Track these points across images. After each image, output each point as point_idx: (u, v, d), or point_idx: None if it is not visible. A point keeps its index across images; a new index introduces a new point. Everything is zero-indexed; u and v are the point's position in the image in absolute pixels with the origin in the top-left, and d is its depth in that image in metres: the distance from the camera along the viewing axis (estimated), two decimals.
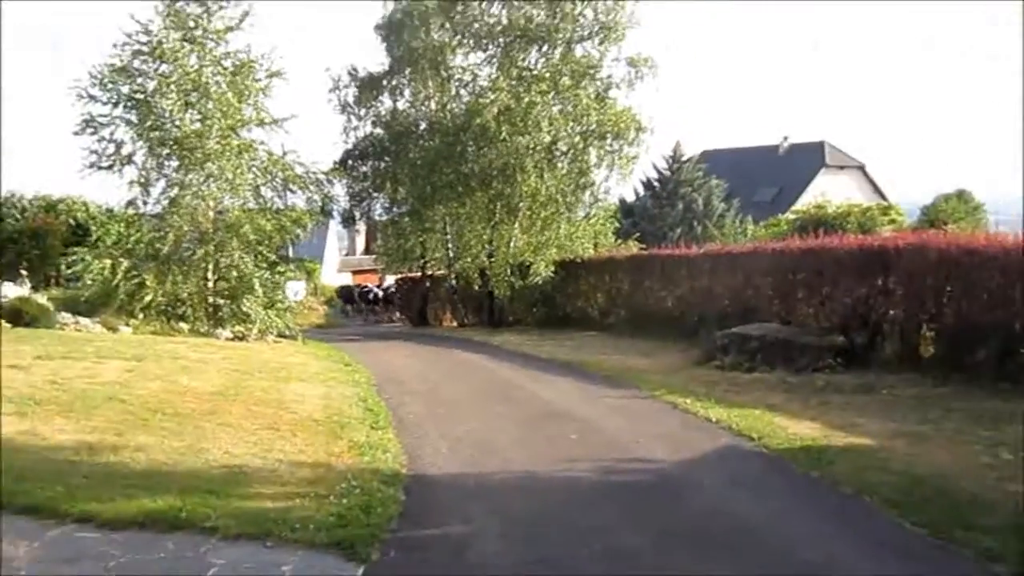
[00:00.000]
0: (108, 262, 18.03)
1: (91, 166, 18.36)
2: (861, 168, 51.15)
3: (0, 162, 26.44)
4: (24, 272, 19.32)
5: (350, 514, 5.98)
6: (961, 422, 9.03)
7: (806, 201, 34.07)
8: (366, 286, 37.08)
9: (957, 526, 5.79)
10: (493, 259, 24.73)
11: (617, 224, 29.03)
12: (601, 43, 23.75)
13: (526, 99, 22.56)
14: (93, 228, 27.89)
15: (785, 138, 52.82)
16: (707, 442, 8.71)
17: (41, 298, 17.00)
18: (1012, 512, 6.07)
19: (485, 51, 25.15)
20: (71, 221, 28.50)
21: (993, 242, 11.96)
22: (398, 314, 33.68)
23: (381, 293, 34.86)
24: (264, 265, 19.24)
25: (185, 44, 18.49)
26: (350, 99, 27.43)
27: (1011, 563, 5.19)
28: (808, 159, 49.82)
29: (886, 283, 13.18)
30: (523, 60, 24.25)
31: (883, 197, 44.69)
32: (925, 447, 8.06)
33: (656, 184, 42.34)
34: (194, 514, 5.77)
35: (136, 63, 18.45)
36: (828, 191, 34.04)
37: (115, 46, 18.30)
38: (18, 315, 15.05)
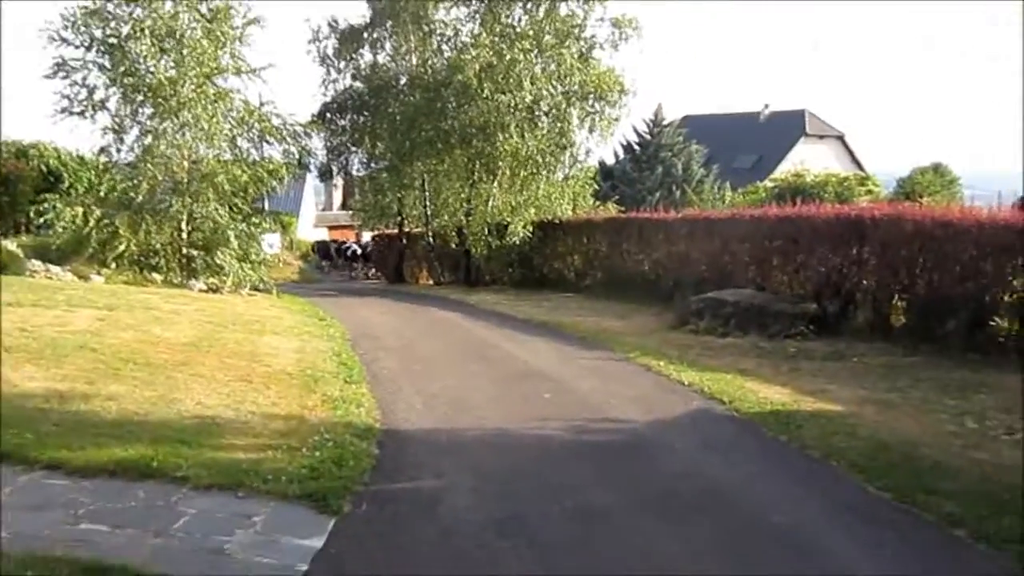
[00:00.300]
0: (80, 210, 17.79)
1: (63, 111, 18.02)
2: (840, 138, 51.33)
3: None
4: None
5: (322, 467, 6.00)
6: (929, 391, 9.17)
7: (785, 169, 34.21)
8: (345, 242, 36.80)
9: (920, 491, 5.90)
10: (471, 218, 24.63)
11: (596, 187, 28.96)
12: (586, 2, 23.51)
13: (508, 56, 22.31)
14: (65, 175, 27.52)
15: (766, 106, 52.85)
16: (679, 405, 8.79)
17: (11, 245, 16.76)
18: (974, 478, 6.19)
19: (468, 6, 24.82)
20: (42, 167, 27.97)
21: (967, 216, 12.06)
22: (374, 271, 33.55)
23: (359, 250, 34.57)
24: (239, 217, 19.06)
25: None
26: (330, 51, 27.09)
27: (971, 527, 5.31)
28: (788, 127, 49.87)
29: (860, 253, 13.28)
30: (507, 17, 23.95)
31: (861, 167, 44.91)
32: (892, 414, 8.18)
33: (636, 147, 42.26)
34: (165, 464, 5.75)
35: (110, 6, 18.07)
36: (807, 160, 34.19)
37: None
38: None
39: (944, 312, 11.46)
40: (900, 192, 32.65)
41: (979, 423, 7.81)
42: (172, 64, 18.22)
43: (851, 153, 50.69)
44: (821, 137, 50.08)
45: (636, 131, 42.43)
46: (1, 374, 7.64)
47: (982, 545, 5.12)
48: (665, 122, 42.43)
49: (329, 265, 37.72)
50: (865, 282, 13.26)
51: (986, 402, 8.57)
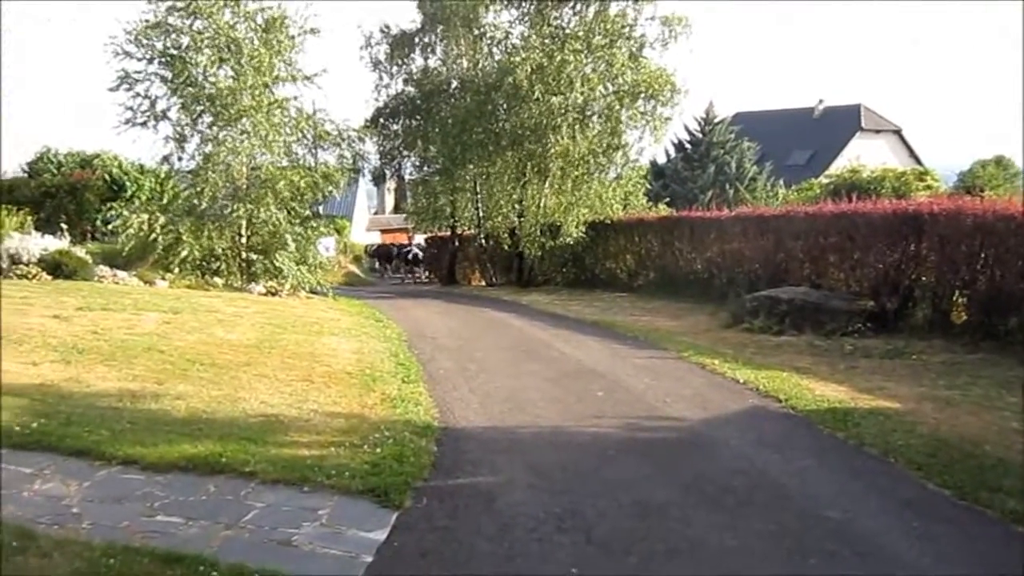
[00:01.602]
0: (145, 216, 18.31)
1: (127, 122, 18.60)
2: (897, 132, 50.34)
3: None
4: (63, 226, 19.65)
5: (383, 463, 6.16)
6: (990, 388, 9.04)
7: (840, 165, 33.64)
8: (406, 245, 37.05)
9: (981, 488, 5.86)
10: (523, 219, 24.76)
11: (648, 186, 28.86)
12: (636, 1, 23.47)
13: (559, 58, 22.39)
14: (127, 183, 28.40)
15: (820, 101, 52.13)
16: (734, 402, 8.79)
17: (80, 251, 17.35)
18: None
19: (518, 9, 24.97)
20: (106, 177, 28.90)
21: None
22: (427, 273, 33.81)
23: (420, 253, 34.58)
24: (296, 221, 19.47)
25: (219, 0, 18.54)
26: (382, 56, 27.44)
27: None
28: (843, 122, 49.06)
29: (919, 248, 13.09)
30: (556, 18, 24.04)
31: (919, 162, 44.01)
32: (952, 411, 8.08)
33: (688, 146, 42.01)
34: (234, 459, 5.97)
35: (171, 19, 18.57)
36: (863, 155, 33.58)
37: (150, 1, 18.46)
38: (58, 267, 15.42)
39: (1006, 308, 11.27)
40: (960, 186, 31.99)
41: None
42: (231, 73, 18.69)
43: (908, 147, 49.68)
44: (877, 131, 49.16)
45: (687, 129, 42.19)
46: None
47: None
48: (717, 119, 42.11)
49: (390, 268, 37.99)
50: (924, 278, 13.08)
51: None
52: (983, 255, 11.95)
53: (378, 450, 6.46)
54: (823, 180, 28.68)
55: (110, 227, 19.92)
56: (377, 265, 39.98)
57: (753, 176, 39.79)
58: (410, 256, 34.66)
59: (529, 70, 22.25)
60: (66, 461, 5.82)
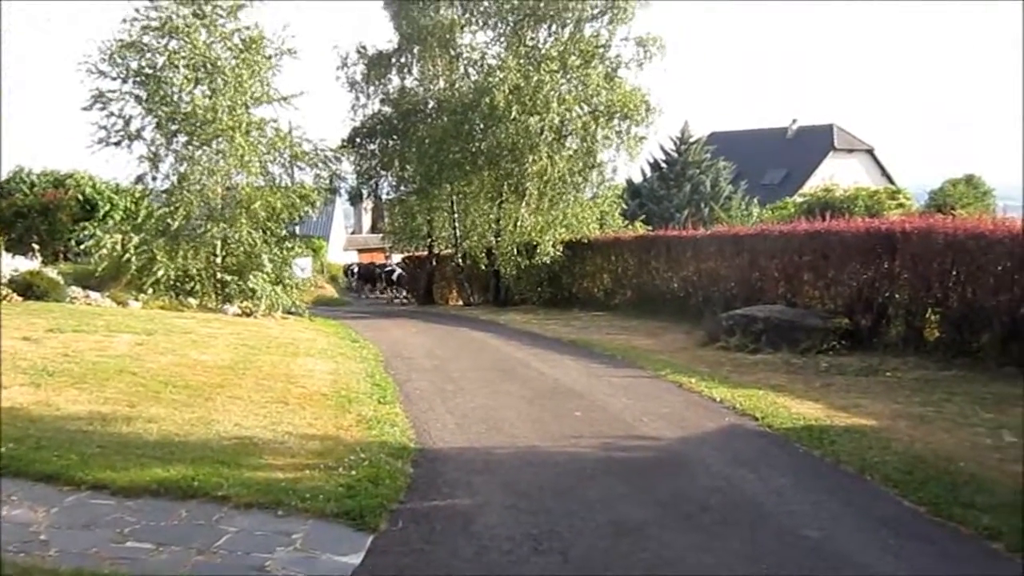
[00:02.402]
0: (119, 237, 18.14)
1: (100, 142, 18.49)
2: (870, 151, 51.01)
3: (0, 144, 26.72)
4: (35, 246, 19.42)
5: (359, 485, 6.09)
6: (964, 404, 9.10)
7: (814, 184, 34.08)
8: (387, 265, 36.87)
9: (956, 505, 5.88)
10: (500, 238, 24.81)
11: (624, 205, 29.04)
12: (610, 23, 23.74)
13: (535, 78, 22.54)
14: (100, 203, 28.14)
15: (794, 121, 52.75)
16: (711, 421, 8.80)
17: (52, 272, 17.15)
18: (1012, 491, 6.14)
19: (494, 30, 25.14)
20: (78, 196, 28.63)
21: (1000, 227, 11.94)
22: (404, 292, 33.71)
23: (404, 272, 34.39)
24: (272, 242, 19.37)
25: (195, 19, 18.49)
26: (358, 76, 27.47)
27: (1009, 540, 5.27)
28: (817, 142, 49.66)
29: (892, 266, 13.20)
30: (532, 39, 24.24)
31: (891, 181, 44.62)
32: (927, 428, 8.13)
33: (664, 165, 42.30)
34: (206, 483, 5.88)
35: (146, 38, 18.51)
36: (836, 174, 34.01)
37: (124, 21, 18.41)
38: (29, 288, 15.22)
39: (978, 325, 11.38)
40: (932, 205, 32.42)
41: (1016, 436, 7.73)
42: (207, 93, 18.61)
43: (881, 167, 50.34)
44: (850, 151, 49.80)
45: (663, 149, 42.53)
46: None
47: (1020, 558, 5.09)
48: (692, 139, 42.45)
49: (368, 288, 37.75)
50: (897, 296, 13.17)
51: (1023, 415, 8.49)
52: (955, 273, 12.07)
53: (353, 472, 6.39)
54: (797, 199, 29.01)
55: (83, 247, 19.71)
56: (354, 284, 39.76)
57: (728, 195, 40.12)
58: (394, 276, 34.51)
59: (506, 90, 22.37)
60: (34, 487, 5.72)
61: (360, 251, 48.88)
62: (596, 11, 23.73)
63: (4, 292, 14.76)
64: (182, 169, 18.80)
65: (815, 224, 15.68)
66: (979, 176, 43.58)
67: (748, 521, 5.79)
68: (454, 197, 26.16)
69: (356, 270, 40.04)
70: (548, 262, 23.46)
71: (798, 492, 6.45)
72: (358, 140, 27.92)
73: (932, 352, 11.94)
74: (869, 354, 12.30)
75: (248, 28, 19.19)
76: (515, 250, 24.25)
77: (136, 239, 18.20)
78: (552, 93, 22.67)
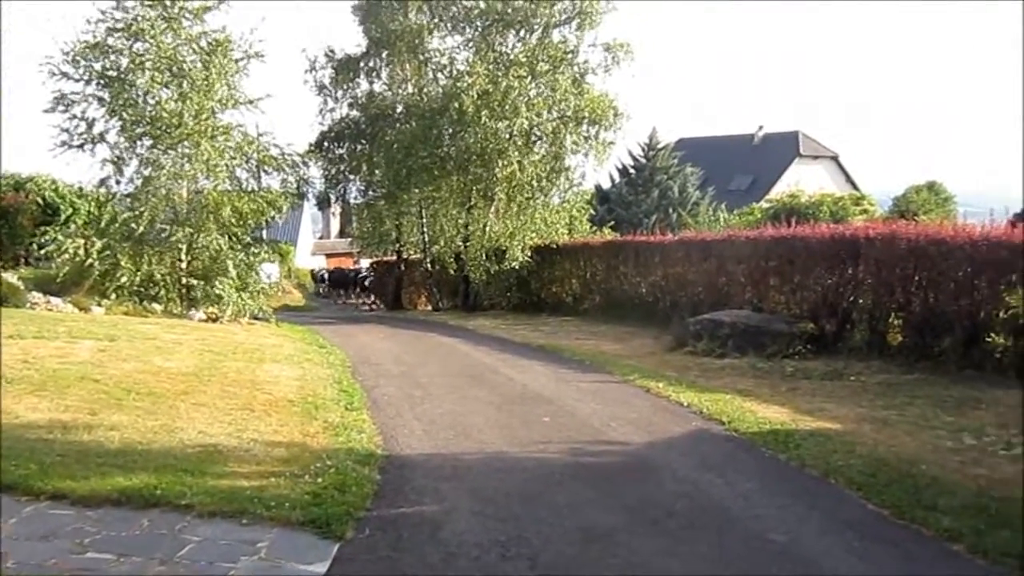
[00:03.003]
0: (81, 241, 17.84)
1: (62, 144, 18.15)
2: (835, 158, 51.74)
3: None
4: None
5: (325, 493, 6.03)
6: (926, 408, 9.25)
7: (780, 190, 34.40)
8: (359, 270, 36.59)
9: (919, 507, 5.96)
10: (468, 243, 24.78)
11: (593, 211, 29.16)
12: (578, 28, 23.83)
13: (504, 83, 22.56)
14: (62, 207, 27.65)
15: (760, 127, 53.30)
16: (678, 426, 8.84)
17: (11, 277, 16.82)
18: (972, 494, 6.24)
19: (463, 35, 25.13)
20: (39, 200, 28.09)
21: (960, 233, 12.17)
22: (372, 298, 33.53)
23: (372, 278, 34.13)
24: (239, 247, 19.16)
25: (161, 22, 18.27)
26: (326, 80, 27.34)
27: (969, 542, 5.36)
28: (782, 148, 50.29)
29: (856, 272, 13.40)
30: (500, 44, 24.26)
31: (855, 187, 45.26)
32: (890, 432, 8.24)
33: (632, 171, 42.51)
34: (169, 492, 5.78)
35: (110, 40, 18.23)
36: (802, 180, 34.38)
37: (89, 22, 18.13)
38: None
39: (940, 329, 11.56)
40: (895, 211, 32.86)
41: (977, 439, 7.88)
42: (173, 96, 18.38)
43: (846, 173, 51.08)
44: (815, 158, 50.48)
45: (631, 154, 42.72)
46: (1, 406, 7.69)
47: (980, 559, 5.18)
48: (660, 145, 42.71)
49: (339, 294, 37.46)
50: (861, 301, 13.36)
51: (983, 418, 8.66)
52: (917, 278, 12.28)
53: (320, 480, 6.33)
54: (764, 205, 29.25)
55: (44, 252, 19.36)
56: (323, 290, 39.44)
57: (696, 201, 40.41)
58: (367, 282, 34.27)
59: (474, 95, 22.37)
60: None
61: (328, 256, 48.57)
62: (564, 17, 23.80)
63: None
64: (147, 173, 18.52)
65: (781, 230, 15.86)
66: (941, 183, 44.38)
67: (715, 525, 5.82)
68: (423, 202, 26.10)
69: (326, 275, 39.73)
70: (517, 267, 23.49)
71: (764, 496, 6.50)
72: (326, 144, 27.77)
73: (895, 356, 12.14)
74: (834, 358, 12.45)
75: (215, 31, 19.00)
76: (484, 255, 24.24)
77: (99, 244, 17.90)
78: (520, 98, 22.72)
